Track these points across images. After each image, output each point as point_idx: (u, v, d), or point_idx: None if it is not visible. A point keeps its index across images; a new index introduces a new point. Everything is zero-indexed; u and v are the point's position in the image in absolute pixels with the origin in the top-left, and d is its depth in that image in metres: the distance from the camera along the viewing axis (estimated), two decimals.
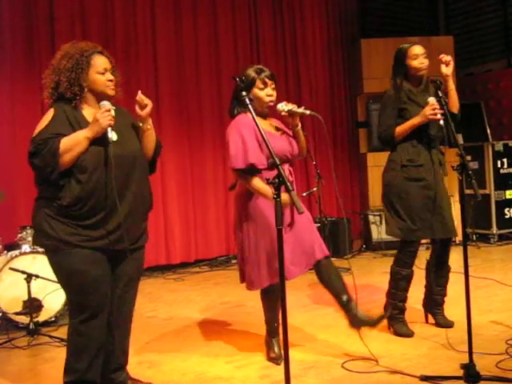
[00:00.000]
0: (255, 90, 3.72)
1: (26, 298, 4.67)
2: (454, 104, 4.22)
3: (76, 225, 3.08)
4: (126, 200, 3.15)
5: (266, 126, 3.74)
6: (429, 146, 4.16)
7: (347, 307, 3.68)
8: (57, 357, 4.17)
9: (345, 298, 3.69)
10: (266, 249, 3.66)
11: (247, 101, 2.88)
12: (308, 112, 3.60)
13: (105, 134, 3.04)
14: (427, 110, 3.99)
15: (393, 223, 4.22)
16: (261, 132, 2.82)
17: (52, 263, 3.22)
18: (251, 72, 3.77)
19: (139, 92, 3.26)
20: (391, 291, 4.27)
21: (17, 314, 4.79)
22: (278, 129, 3.83)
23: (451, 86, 4.17)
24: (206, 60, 7.81)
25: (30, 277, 4.62)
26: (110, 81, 3.20)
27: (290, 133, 3.84)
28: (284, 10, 8.54)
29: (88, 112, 3.17)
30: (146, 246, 3.39)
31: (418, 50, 4.24)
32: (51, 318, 4.96)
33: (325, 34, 8.96)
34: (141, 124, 3.28)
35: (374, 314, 3.77)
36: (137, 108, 3.24)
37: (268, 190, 3.47)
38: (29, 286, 4.62)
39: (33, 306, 4.70)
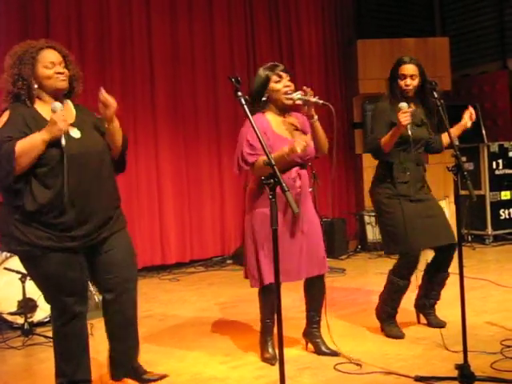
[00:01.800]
0: (272, 85, 3.75)
1: (20, 297, 4.66)
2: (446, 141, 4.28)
3: (46, 228, 3.05)
4: (95, 198, 3.14)
5: (281, 125, 3.77)
6: (414, 163, 4.16)
7: (312, 324, 3.98)
8: (51, 357, 4.11)
9: (316, 318, 3.97)
10: (267, 249, 3.68)
11: (242, 101, 2.87)
12: (321, 102, 3.63)
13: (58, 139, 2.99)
14: (401, 118, 3.90)
15: (389, 240, 4.25)
16: (257, 134, 2.82)
17: (27, 269, 3.24)
18: (263, 71, 3.79)
19: (102, 89, 3.16)
20: (385, 296, 4.27)
21: (11, 314, 4.77)
22: (295, 128, 3.81)
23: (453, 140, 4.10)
24: (202, 62, 7.80)
25: (24, 277, 4.60)
26: (59, 73, 3.12)
27: (309, 132, 3.84)
28: (280, 11, 8.54)
29: (43, 109, 3.12)
30: (138, 244, 3.41)
31: (406, 69, 4.18)
32: (46, 318, 4.93)
33: (321, 36, 8.96)
34: (106, 125, 3.22)
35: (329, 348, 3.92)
36: (100, 107, 3.16)
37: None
38: (23, 286, 4.61)
39: (27, 306, 4.68)
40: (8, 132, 2.98)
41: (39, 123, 3.04)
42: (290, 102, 3.76)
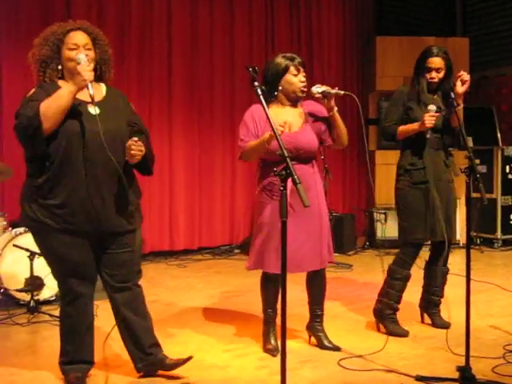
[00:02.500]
0: (288, 77, 3.72)
1: (28, 275, 4.70)
2: (455, 121, 4.21)
3: (50, 207, 3.06)
4: (102, 181, 3.07)
5: (278, 118, 3.69)
6: (432, 148, 4.14)
7: (315, 318, 3.98)
8: (55, 335, 4.14)
9: (318, 311, 3.97)
10: (265, 236, 3.72)
11: (259, 91, 2.86)
12: (342, 92, 3.64)
13: (83, 105, 2.99)
14: (426, 118, 3.96)
15: (401, 227, 4.28)
16: (271, 124, 2.81)
17: (37, 245, 3.26)
18: (283, 60, 3.75)
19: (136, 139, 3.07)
20: (386, 290, 4.26)
21: (18, 290, 4.81)
22: (295, 121, 3.77)
23: (461, 103, 4.11)
24: (221, 49, 7.81)
25: (32, 255, 4.64)
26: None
27: (314, 123, 3.81)
28: (301, 2, 8.52)
29: (64, 85, 3.10)
30: (147, 229, 3.39)
31: (433, 62, 4.17)
32: (52, 296, 4.99)
33: (340, 30, 8.94)
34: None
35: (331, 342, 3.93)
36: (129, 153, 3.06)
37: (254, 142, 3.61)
38: (31, 264, 4.65)
39: (34, 283, 4.72)
40: (32, 98, 3.03)
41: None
42: (304, 95, 3.75)
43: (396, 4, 9.54)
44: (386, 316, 4.24)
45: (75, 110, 3.03)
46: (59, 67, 3.12)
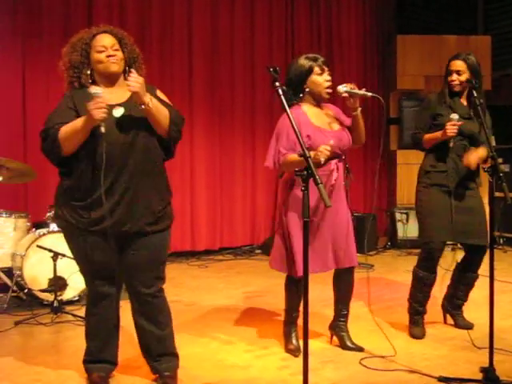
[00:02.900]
0: (313, 77, 3.72)
1: (51, 275, 4.74)
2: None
3: (76, 208, 3.10)
4: (123, 182, 3.05)
5: (319, 117, 3.74)
6: (456, 154, 4.10)
7: (340, 317, 3.97)
8: (78, 335, 4.22)
9: (344, 311, 3.96)
10: (291, 240, 3.69)
11: (280, 91, 2.86)
12: (370, 94, 3.59)
13: (98, 126, 2.97)
14: (448, 127, 3.94)
15: (419, 229, 4.26)
16: (292, 124, 2.81)
17: (67, 244, 3.29)
18: (306, 61, 3.74)
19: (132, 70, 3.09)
20: (410, 291, 4.26)
21: (42, 291, 4.87)
22: (332, 120, 3.79)
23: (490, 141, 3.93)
24: (241, 50, 7.82)
25: (56, 255, 4.68)
26: (110, 56, 3.10)
27: (347, 122, 3.82)
28: (321, 2, 8.50)
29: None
30: (167, 235, 3.25)
31: (453, 65, 4.14)
32: (75, 297, 5.03)
33: (361, 28, 8.91)
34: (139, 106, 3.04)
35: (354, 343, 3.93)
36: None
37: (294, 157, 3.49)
38: (55, 265, 4.69)
39: (58, 284, 4.76)
40: (56, 119, 3.06)
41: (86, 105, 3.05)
42: (326, 96, 3.75)
43: (417, 2, 9.48)
44: (411, 316, 4.24)
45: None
46: (88, 72, 3.14)
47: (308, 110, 3.74)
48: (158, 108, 3.07)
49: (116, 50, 3.13)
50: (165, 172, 3.27)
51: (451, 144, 4.03)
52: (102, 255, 3.15)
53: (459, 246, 4.49)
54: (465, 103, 4.20)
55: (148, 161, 3.11)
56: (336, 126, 3.78)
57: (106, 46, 3.11)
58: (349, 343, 3.92)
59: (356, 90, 3.61)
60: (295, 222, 3.69)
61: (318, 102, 3.79)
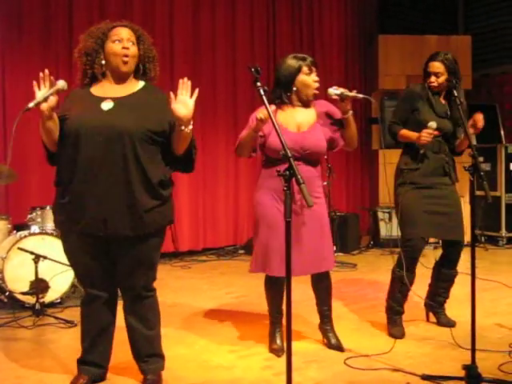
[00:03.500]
0: (302, 77, 3.71)
1: (33, 278, 4.70)
2: (462, 147, 4.26)
3: (64, 206, 3.08)
4: (104, 181, 2.96)
5: (288, 118, 3.72)
6: (432, 151, 4.13)
7: (324, 317, 3.97)
8: (61, 338, 4.20)
9: (326, 312, 3.97)
10: (265, 239, 3.71)
11: (261, 91, 2.86)
12: (360, 96, 3.60)
13: (97, 101, 3.01)
14: (423, 134, 3.97)
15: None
16: (274, 123, 2.80)
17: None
18: (294, 61, 3.73)
19: (185, 79, 3.01)
20: (388, 291, 4.26)
21: (23, 293, 4.82)
22: (305, 122, 3.76)
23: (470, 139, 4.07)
24: (223, 51, 7.83)
25: (37, 257, 4.65)
26: (125, 48, 3.06)
27: (337, 115, 3.77)
28: (302, 2, 8.52)
29: (101, 88, 3.12)
30: (158, 237, 3.20)
31: (431, 66, 4.16)
32: (57, 299, 5.00)
33: (342, 29, 8.95)
34: (182, 127, 3.00)
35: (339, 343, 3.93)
36: (176, 106, 2.97)
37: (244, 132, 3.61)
38: (36, 267, 4.65)
39: (39, 286, 4.73)
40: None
41: (84, 102, 3.06)
42: (312, 97, 3.75)
43: (398, 3, 9.53)
44: (389, 316, 4.24)
45: (86, 107, 3.03)
46: (103, 62, 3.09)
47: (285, 112, 3.75)
48: (190, 134, 3.06)
49: (132, 43, 3.10)
50: (160, 166, 3.13)
51: (422, 151, 4.05)
52: (88, 257, 3.13)
53: (440, 243, 4.50)
54: (443, 102, 4.23)
55: (134, 155, 2.99)
56: (305, 128, 3.74)
57: (122, 38, 3.08)
58: (332, 342, 3.92)
59: (347, 92, 3.60)
60: (265, 220, 3.71)
61: (305, 101, 3.78)
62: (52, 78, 2.90)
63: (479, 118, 3.98)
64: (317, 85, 3.75)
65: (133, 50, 3.10)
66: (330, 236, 3.87)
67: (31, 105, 2.82)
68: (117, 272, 3.19)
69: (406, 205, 4.10)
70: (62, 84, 2.91)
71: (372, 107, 8.79)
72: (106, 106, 3.02)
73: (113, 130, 2.96)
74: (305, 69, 3.71)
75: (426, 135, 3.96)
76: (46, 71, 2.91)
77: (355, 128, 3.78)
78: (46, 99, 2.86)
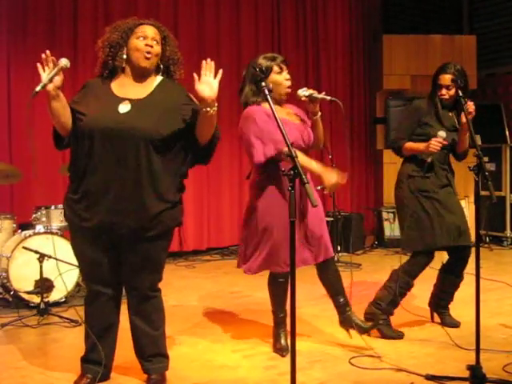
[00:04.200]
0: (273, 76, 3.71)
1: (37, 277, 4.71)
2: (463, 147, 4.24)
3: (74, 202, 3.09)
4: (118, 181, 2.98)
5: (283, 113, 3.70)
6: (438, 162, 4.14)
7: (342, 308, 3.88)
8: (66, 337, 4.21)
9: (342, 299, 3.88)
10: (273, 237, 3.67)
11: (266, 91, 2.85)
12: (328, 98, 3.57)
13: (116, 102, 3.02)
14: (432, 143, 3.96)
15: (408, 236, 4.18)
16: (278, 122, 2.80)
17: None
18: (264, 60, 3.75)
19: (208, 60, 3.08)
20: (388, 294, 4.17)
21: (28, 293, 4.84)
22: (293, 115, 3.80)
23: (466, 133, 4.10)
24: (227, 53, 7.81)
25: (42, 257, 4.66)
26: (148, 45, 3.06)
27: (308, 122, 3.81)
28: (307, 2, 8.51)
29: (120, 83, 3.12)
30: (166, 238, 3.17)
31: (443, 79, 4.15)
32: (62, 298, 5.01)
33: (347, 28, 8.93)
34: (207, 108, 3.04)
35: (366, 323, 3.92)
36: (199, 85, 3.03)
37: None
38: (41, 266, 4.66)
39: (44, 285, 4.74)
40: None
41: (102, 100, 3.06)
42: (285, 96, 3.75)
43: (403, 2, 9.52)
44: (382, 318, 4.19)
45: (104, 106, 3.03)
46: (124, 56, 3.10)
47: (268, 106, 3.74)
48: (215, 117, 3.07)
49: (156, 42, 3.10)
50: (172, 172, 3.13)
51: (429, 159, 4.03)
52: (95, 254, 3.13)
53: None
54: (450, 114, 4.23)
55: (148, 153, 3.00)
56: (297, 121, 3.78)
57: (147, 36, 3.09)
58: (362, 325, 3.90)
59: (316, 94, 3.60)
60: (270, 221, 3.68)
61: (278, 101, 3.72)
62: (53, 58, 2.91)
63: (470, 104, 3.95)
64: (288, 83, 3.74)
65: (156, 48, 3.11)
66: (326, 226, 3.90)
67: (38, 88, 2.85)
68: (123, 272, 3.19)
69: (420, 214, 4.09)
70: (64, 62, 2.93)
71: (377, 107, 8.78)
72: (123, 108, 3.03)
73: (128, 135, 2.97)
74: (275, 68, 3.72)
75: (436, 143, 3.95)
76: (48, 52, 2.92)
77: (322, 130, 3.81)
78: (51, 80, 2.89)
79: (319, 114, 3.70)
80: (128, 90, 3.09)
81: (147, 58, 3.08)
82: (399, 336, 4.12)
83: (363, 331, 3.88)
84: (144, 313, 3.27)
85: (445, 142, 4.00)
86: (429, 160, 4.03)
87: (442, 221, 4.06)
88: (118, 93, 3.09)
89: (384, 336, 4.12)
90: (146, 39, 3.08)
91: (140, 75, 3.13)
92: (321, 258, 3.79)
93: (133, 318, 3.29)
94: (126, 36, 3.10)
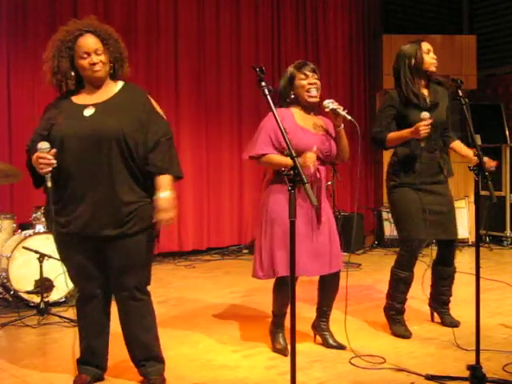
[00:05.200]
0: (297, 81, 3.78)
1: (37, 277, 4.72)
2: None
3: (49, 212, 3.12)
4: (89, 183, 3.03)
5: (305, 120, 3.77)
6: (427, 151, 4.10)
7: (322, 315, 4.00)
8: (65, 337, 4.21)
9: (326, 310, 3.99)
10: (283, 241, 3.66)
11: (266, 91, 2.86)
12: (349, 117, 3.64)
13: (80, 108, 3.05)
14: (421, 127, 3.85)
15: (396, 229, 4.26)
16: (278, 124, 2.80)
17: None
18: (290, 68, 3.84)
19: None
20: (389, 292, 4.26)
21: (28, 292, 4.84)
22: (320, 127, 3.81)
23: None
24: (227, 52, 7.81)
25: (42, 257, 4.66)
26: (93, 64, 3.07)
27: (333, 134, 3.83)
28: (307, 1, 8.51)
29: (76, 97, 3.16)
30: (144, 237, 3.15)
31: (429, 45, 4.20)
32: (61, 298, 5.01)
33: (347, 28, 8.93)
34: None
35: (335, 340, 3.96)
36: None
37: (282, 159, 3.55)
38: (41, 266, 4.66)
39: (44, 285, 4.74)
40: (36, 131, 3.14)
41: (67, 112, 3.09)
42: (314, 99, 3.76)
43: (403, 2, 9.52)
44: (391, 316, 4.23)
45: (70, 115, 3.08)
46: (72, 74, 3.11)
47: (296, 111, 3.80)
48: None
49: (99, 54, 3.09)
50: (139, 170, 3.11)
51: (423, 144, 4.02)
52: (81, 257, 3.15)
53: (434, 241, 4.50)
54: (425, 92, 4.18)
55: (116, 154, 3.04)
56: (321, 131, 3.80)
57: (89, 52, 3.07)
58: (331, 341, 3.94)
59: (339, 110, 3.65)
60: (280, 224, 3.67)
61: (307, 108, 3.81)
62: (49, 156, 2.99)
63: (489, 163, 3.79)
64: (312, 86, 3.77)
65: (101, 57, 3.10)
66: (337, 234, 3.89)
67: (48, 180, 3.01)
68: (110, 273, 3.19)
69: (405, 206, 4.10)
70: (45, 146, 2.99)
71: (376, 107, 8.77)
72: (88, 112, 3.08)
73: (94, 135, 3.01)
74: (299, 75, 3.78)
75: (424, 127, 3.86)
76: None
77: (346, 142, 3.84)
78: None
79: (342, 125, 3.76)
80: (90, 97, 3.14)
81: (96, 71, 3.10)
82: (406, 335, 4.13)
83: (335, 347, 3.91)
84: (132, 317, 3.24)
85: (431, 121, 3.88)
86: (422, 145, 4.02)
87: (424, 213, 4.04)
88: (80, 102, 3.13)
89: (394, 334, 4.17)
90: (89, 56, 3.08)
91: (97, 85, 3.17)
92: (333, 269, 3.80)
93: (122, 322, 3.27)
94: (72, 59, 3.10)
